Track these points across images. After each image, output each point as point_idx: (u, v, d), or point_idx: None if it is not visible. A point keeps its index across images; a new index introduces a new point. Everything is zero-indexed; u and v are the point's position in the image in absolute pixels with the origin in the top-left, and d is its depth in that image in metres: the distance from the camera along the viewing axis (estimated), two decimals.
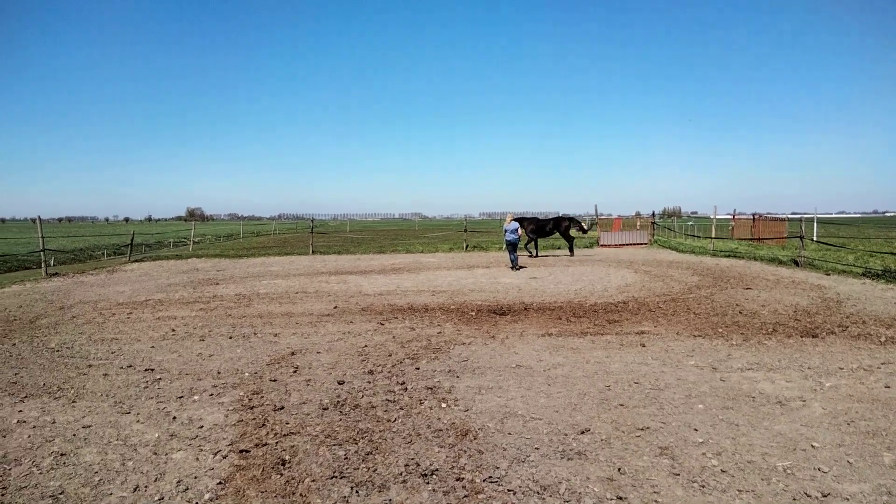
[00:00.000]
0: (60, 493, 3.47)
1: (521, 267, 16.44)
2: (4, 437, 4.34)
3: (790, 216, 27.06)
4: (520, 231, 16.52)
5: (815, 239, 23.94)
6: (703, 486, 3.42)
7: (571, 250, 21.01)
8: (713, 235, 22.14)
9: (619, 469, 3.66)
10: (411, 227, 70.16)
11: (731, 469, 3.64)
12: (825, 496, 3.29)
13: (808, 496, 3.30)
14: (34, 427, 4.52)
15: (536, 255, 20.23)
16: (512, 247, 16.23)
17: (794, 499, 3.27)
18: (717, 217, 25.89)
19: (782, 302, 9.85)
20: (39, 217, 18.09)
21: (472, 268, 16.60)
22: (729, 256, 18.89)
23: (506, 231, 16.45)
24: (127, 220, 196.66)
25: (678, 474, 3.59)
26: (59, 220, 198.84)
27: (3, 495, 3.45)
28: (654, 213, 33.41)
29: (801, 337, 7.26)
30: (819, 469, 3.63)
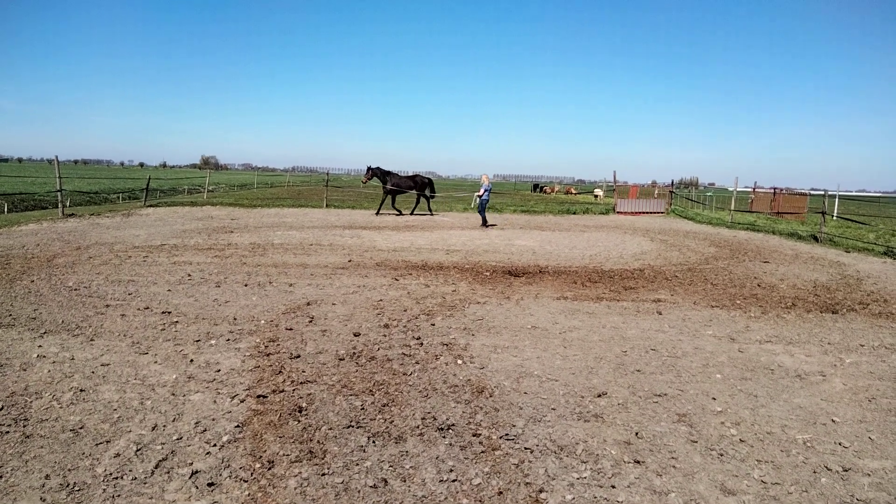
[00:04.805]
0: (80, 428, 3.51)
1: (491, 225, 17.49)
2: (25, 370, 4.39)
3: (811, 192, 26.45)
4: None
5: (835, 215, 23.50)
6: (722, 455, 3.39)
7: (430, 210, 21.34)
8: (733, 207, 21.74)
9: (637, 433, 3.64)
10: None
11: (749, 439, 3.61)
12: (846, 471, 3.25)
13: (829, 469, 3.26)
14: (54, 363, 4.57)
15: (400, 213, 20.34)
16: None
17: (815, 471, 3.24)
18: (738, 190, 25.37)
19: (801, 277, 9.69)
20: (57, 157, 18.02)
21: (487, 228, 16.48)
22: (747, 229, 18.59)
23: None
24: (142, 165, 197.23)
25: (696, 441, 3.56)
26: (75, 162, 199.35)
27: (24, 426, 3.50)
28: (672, 183, 32.90)
29: (821, 312, 7.15)
30: (840, 444, 3.58)
